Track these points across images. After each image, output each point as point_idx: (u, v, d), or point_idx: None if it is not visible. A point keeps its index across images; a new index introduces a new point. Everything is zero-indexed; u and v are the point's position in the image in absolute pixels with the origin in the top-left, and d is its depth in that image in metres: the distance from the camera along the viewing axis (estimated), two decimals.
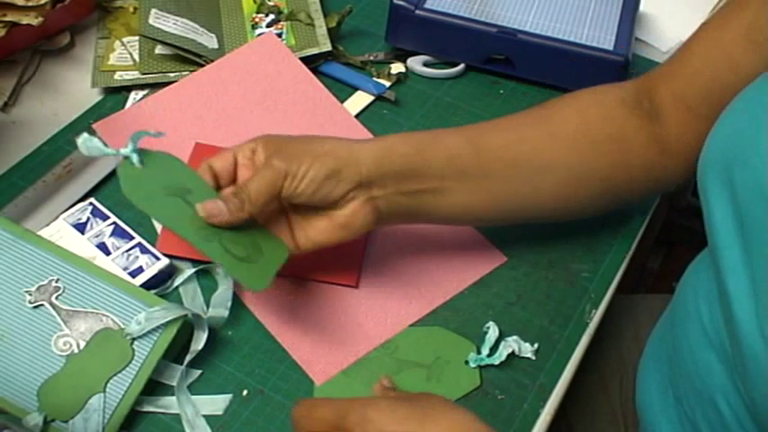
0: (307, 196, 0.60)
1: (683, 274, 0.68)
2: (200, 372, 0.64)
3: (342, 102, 0.83)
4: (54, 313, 0.62)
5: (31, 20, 0.81)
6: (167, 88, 0.81)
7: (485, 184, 0.65)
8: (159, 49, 0.84)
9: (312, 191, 0.60)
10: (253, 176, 0.60)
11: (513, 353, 0.66)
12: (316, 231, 0.63)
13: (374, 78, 0.86)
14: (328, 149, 0.61)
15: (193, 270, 0.68)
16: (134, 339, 0.61)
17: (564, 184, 0.67)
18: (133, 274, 0.66)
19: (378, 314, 0.68)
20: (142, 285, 0.65)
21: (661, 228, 1.06)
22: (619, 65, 0.83)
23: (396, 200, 0.63)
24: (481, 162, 0.64)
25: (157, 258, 0.68)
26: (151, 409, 0.62)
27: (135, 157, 0.61)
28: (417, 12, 0.85)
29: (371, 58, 0.89)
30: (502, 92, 0.88)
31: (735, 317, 0.52)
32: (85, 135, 0.59)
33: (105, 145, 0.60)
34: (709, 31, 0.65)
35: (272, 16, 0.89)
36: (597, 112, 0.68)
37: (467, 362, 0.65)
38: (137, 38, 0.86)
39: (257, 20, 0.89)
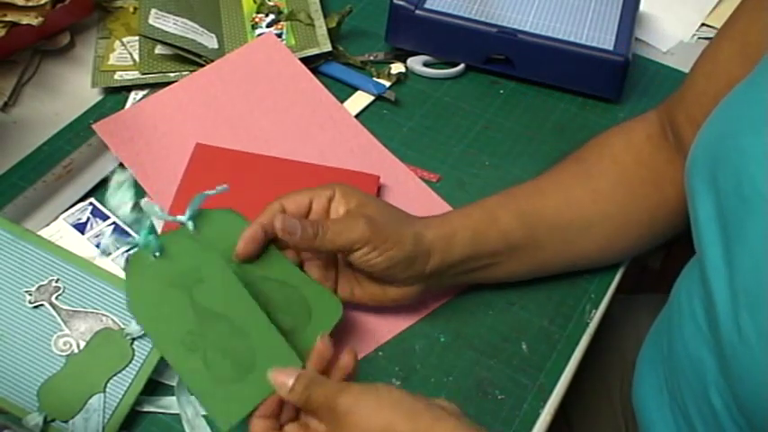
0: (375, 271, 0.62)
1: (680, 274, 0.69)
2: None
3: (342, 102, 0.83)
4: (54, 313, 0.62)
5: (31, 20, 0.81)
6: (167, 88, 0.81)
7: (533, 252, 0.68)
8: (159, 49, 0.84)
9: (382, 269, 0.62)
10: (338, 222, 0.61)
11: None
12: (363, 293, 0.66)
13: (374, 78, 0.86)
14: (410, 235, 0.62)
15: None
16: (134, 339, 0.61)
17: (606, 237, 0.70)
18: None
19: (378, 314, 0.68)
20: None
21: None
22: (619, 65, 0.83)
23: (448, 280, 0.67)
24: (530, 234, 0.67)
25: None
26: (151, 409, 0.62)
27: (191, 225, 0.61)
28: (417, 12, 0.85)
29: (371, 58, 0.89)
30: (502, 92, 0.88)
31: (716, 312, 0.54)
32: (146, 200, 0.62)
33: (162, 210, 0.62)
34: (710, 49, 0.67)
35: (272, 16, 0.89)
36: (630, 157, 0.70)
37: None
38: (137, 38, 0.86)
39: (257, 20, 0.89)
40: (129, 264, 0.59)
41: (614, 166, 0.70)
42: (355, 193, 0.63)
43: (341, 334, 0.67)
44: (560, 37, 0.84)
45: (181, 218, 0.61)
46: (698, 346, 0.59)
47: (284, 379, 0.54)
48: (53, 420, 0.59)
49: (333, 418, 0.53)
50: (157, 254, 0.60)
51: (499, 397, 0.65)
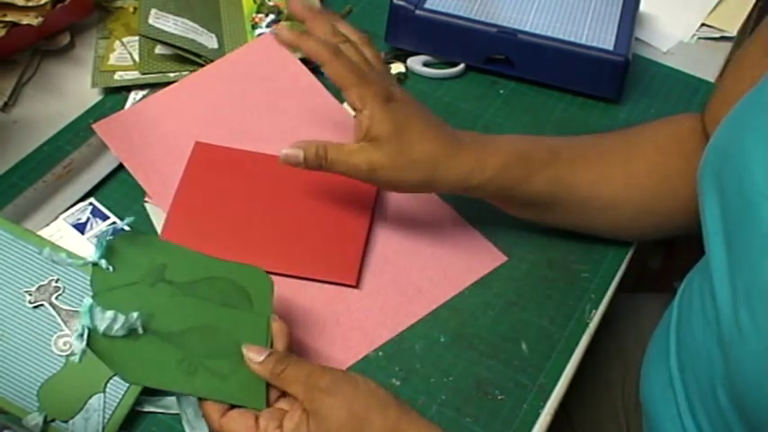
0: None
1: (690, 270, 0.69)
2: None
3: (342, 102, 0.83)
4: (54, 313, 0.62)
5: (31, 20, 0.81)
6: (167, 88, 0.81)
7: (549, 211, 0.69)
8: (159, 49, 0.84)
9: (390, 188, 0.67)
10: (344, 156, 0.63)
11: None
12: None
13: None
14: (413, 182, 0.64)
15: None
16: None
17: (627, 218, 0.71)
18: None
19: (378, 314, 0.68)
20: None
21: None
22: (619, 65, 0.83)
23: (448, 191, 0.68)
24: (555, 200, 0.68)
25: None
26: (151, 409, 0.62)
27: (104, 263, 0.60)
28: (417, 12, 0.85)
29: None
30: (502, 92, 0.88)
31: (718, 309, 0.55)
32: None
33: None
34: (741, 53, 0.68)
35: (272, 16, 0.89)
36: (675, 147, 0.71)
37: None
38: (137, 38, 0.86)
39: (257, 20, 0.89)
40: (98, 351, 0.57)
41: (657, 152, 0.70)
42: (393, 120, 0.63)
43: (341, 334, 0.67)
44: (560, 37, 0.84)
45: (90, 258, 0.60)
46: (707, 340, 0.60)
47: (255, 353, 0.58)
48: (53, 420, 0.59)
49: (310, 395, 0.56)
50: (111, 270, 0.60)
51: (499, 397, 0.65)
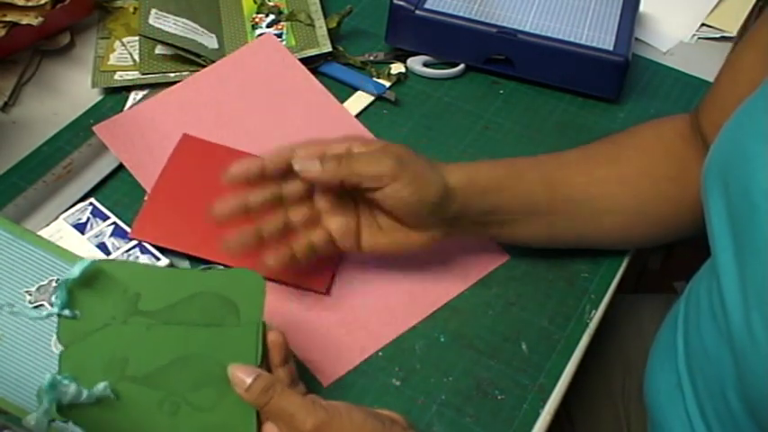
0: (404, 208, 0.62)
1: (692, 271, 0.69)
2: None
3: (342, 102, 0.83)
4: None
5: (31, 20, 0.81)
6: (167, 90, 0.81)
7: (549, 219, 0.69)
8: (159, 50, 0.84)
9: (412, 204, 0.62)
10: (365, 155, 0.61)
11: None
12: (387, 240, 0.65)
13: (374, 78, 0.86)
14: (436, 179, 0.63)
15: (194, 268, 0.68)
16: None
17: (624, 224, 0.71)
18: None
19: (381, 314, 0.68)
20: None
21: None
22: (619, 65, 0.83)
23: (467, 229, 0.67)
24: (552, 202, 0.68)
25: (157, 258, 0.68)
26: None
27: (68, 312, 0.56)
28: (417, 12, 0.85)
29: (371, 58, 0.89)
30: (502, 92, 0.88)
31: (728, 315, 0.54)
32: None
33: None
34: (735, 55, 0.67)
35: (272, 17, 0.89)
36: (659, 150, 0.71)
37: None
38: (137, 38, 0.86)
39: (257, 20, 0.89)
40: (72, 418, 0.55)
41: (643, 156, 0.70)
42: (377, 140, 0.65)
43: (346, 333, 0.67)
44: (560, 37, 0.84)
45: (51, 310, 0.57)
46: (717, 345, 0.59)
47: (242, 376, 0.54)
48: (53, 420, 0.59)
49: None
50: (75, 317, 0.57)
51: (499, 397, 0.65)
